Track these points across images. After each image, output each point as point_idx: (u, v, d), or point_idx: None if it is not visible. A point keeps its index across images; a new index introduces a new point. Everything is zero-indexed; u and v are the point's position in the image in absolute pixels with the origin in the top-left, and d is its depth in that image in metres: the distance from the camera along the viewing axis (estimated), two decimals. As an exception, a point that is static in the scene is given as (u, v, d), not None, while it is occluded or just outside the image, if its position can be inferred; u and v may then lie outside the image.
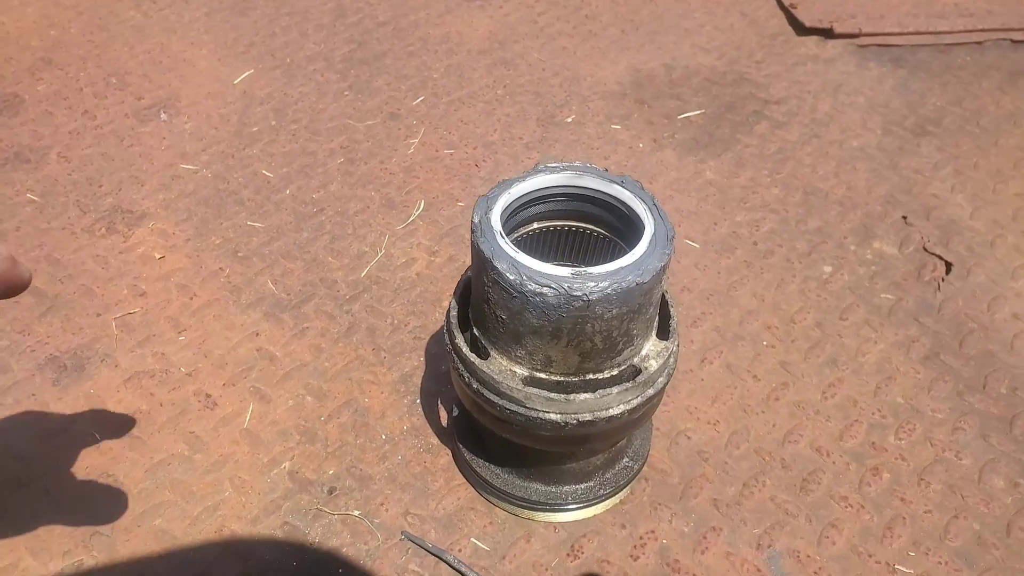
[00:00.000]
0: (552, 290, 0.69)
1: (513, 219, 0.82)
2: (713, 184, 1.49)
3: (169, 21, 1.97)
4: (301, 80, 1.77)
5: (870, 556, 0.95)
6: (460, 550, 0.95)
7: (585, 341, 0.74)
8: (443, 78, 1.78)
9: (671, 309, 0.85)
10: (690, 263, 1.33)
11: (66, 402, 1.09)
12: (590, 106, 1.70)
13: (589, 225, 0.86)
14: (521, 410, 0.78)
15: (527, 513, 0.97)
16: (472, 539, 0.96)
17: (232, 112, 1.68)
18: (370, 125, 1.64)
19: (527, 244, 0.86)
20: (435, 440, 1.06)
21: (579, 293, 0.69)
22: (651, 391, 0.80)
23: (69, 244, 1.36)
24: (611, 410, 0.78)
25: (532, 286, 0.70)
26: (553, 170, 0.82)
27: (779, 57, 1.86)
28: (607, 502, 0.98)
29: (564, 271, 0.70)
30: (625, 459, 0.99)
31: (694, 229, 1.39)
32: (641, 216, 0.77)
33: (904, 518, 0.99)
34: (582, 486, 0.96)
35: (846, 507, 1.00)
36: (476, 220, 0.76)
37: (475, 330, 0.82)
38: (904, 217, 1.42)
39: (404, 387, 1.12)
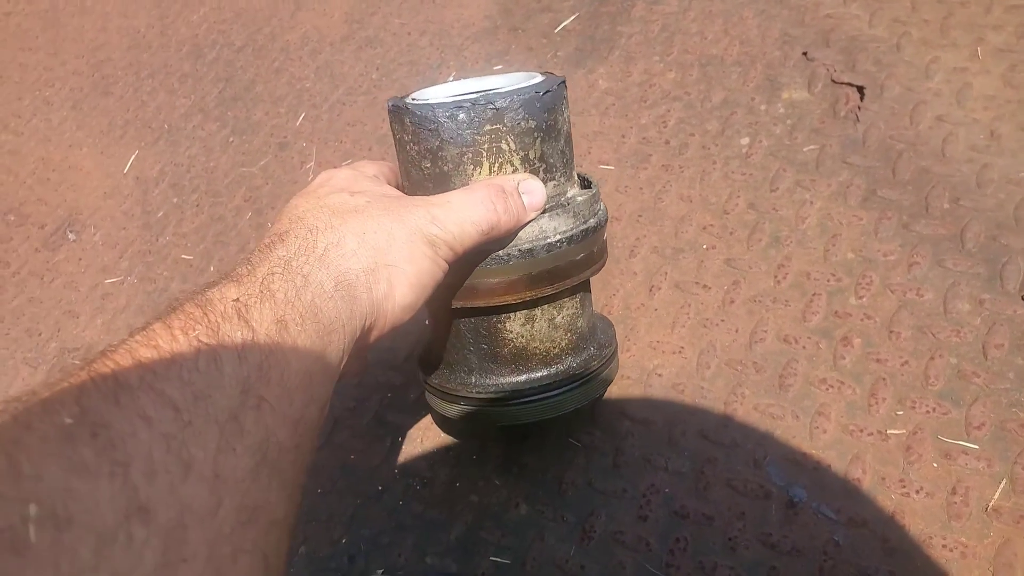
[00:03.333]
0: (463, 109, 0.76)
1: None
2: (610, 93, 1.44)
3: (40, 131, 1.92)
4: (185, 143, 1.73)
5: (861, 431, 0.95)
6: (483, 573, 0.97)
7: (506, 164, 0.80)
8: (316, 84, 1.72)
9: (591, 178, 0.91)
10: (611, 189, 1.29)
11: None
12: (467, 55, 1.63)
13: None
14: None
15: (495, 414, 0.94)
16: (491, 558, 0.98)
17: (133, 205, 1.65)
18: (264, 165, 1.60)
19: None
20: (427, 473, 1.07)
21: (484, 103, 0.76)
22: (583, 225, 0.85)
23: (32, 406, 1.37)
24: (548, 238, 0.82)
25: (443, 111, 0.76)
26: (461, 78, 0.93)
27: (635, -79, 1.75)
28: (580, 389, 0.93)
29: (470, 95, 0.78)
30: (592, 348, 0.96)
31: (605, 151, 1.35)
32: (539, 76, 0.86)
33: (884, 379, 0.98)
34: (552, 370, 0.92)
35: (827, 389, 1.00)
36: (394, 102, 0.82)
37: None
38: (804, 53, 1.36)
39: (381, 429, 1.13)
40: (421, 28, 1.73)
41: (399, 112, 0.80)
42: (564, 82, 0.83)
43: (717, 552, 0.91)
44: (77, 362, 0.52)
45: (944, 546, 0.86)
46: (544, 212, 0.83)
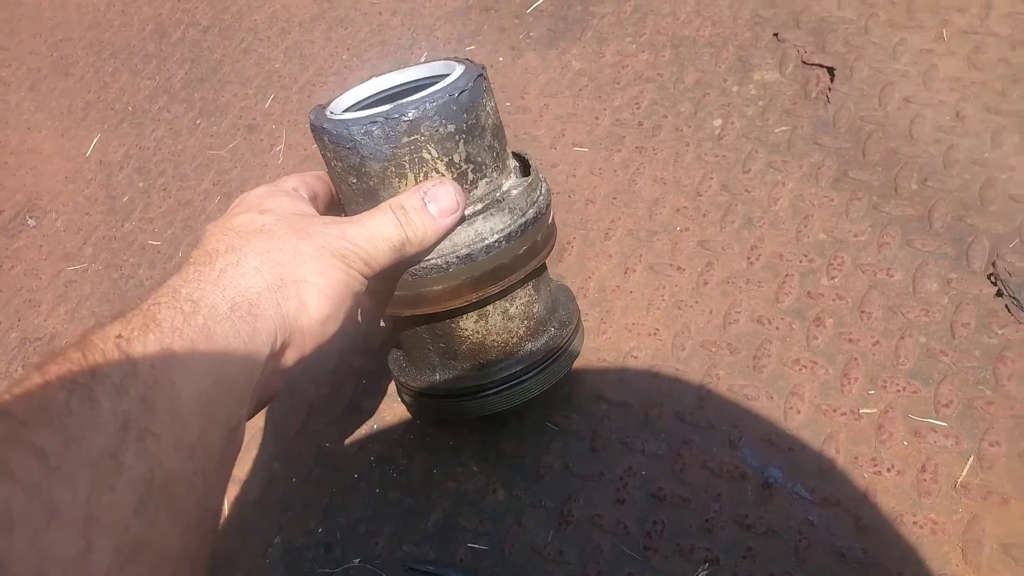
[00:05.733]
0: (376, 124, 0.74)
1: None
2: (583, 74, 1.43)
3: (-3, 113, 1.86)
4: (151, 125, 1.69)
5: (835, 411, 0.96)
6: (461, 559, 0.97)
7: (431, 172, 0.78)
8: (285, 65, 1.68)
9: (531, 161, 0.89)
10: (585, 171, 1.29)
11: None
12: (438, 35, 1.61)
13: None
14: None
15: (464, 407, 0.95)
16: (468, 544, 0.98)
17: (97, 189, 1.61)
18: (232, 147, 1.57)
19: None
20: (404, 460, 1.07)
21: (398, 115, 0.73)
22: (522, 219, 0.83)
23: (-3, 397, 1.34)
24: (486, 240, 0.81)
25: (357, 128, 0.74)
26: (381, 74, 0.88)
27: (606, -101, 1.73)
28: (544, 372, 0.94)
29: (383, 108, 0.75)
30: (552, 329, 0.97)
31: (578, 132, 1.34)
32: (456, 66, 0.82)
33: (856, 359, 1.00)
34: (512, 360, 0.93)
35: (800, 369, 1.01)
36: (312, 119, 0.80)
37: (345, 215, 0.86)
38: (775, 34, 1.36)
39: (357, 417, 1.13)
40: (392, 8, 1.70)
41: (317, 131, 0.78)
42: (483, 74, 0.80)
43: (694, 534, 0.92)
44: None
45: (915, 523, 0.87)
46: (479, 214, 0.81)
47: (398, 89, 0.88)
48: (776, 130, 1.24)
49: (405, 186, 0.78)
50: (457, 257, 0.81)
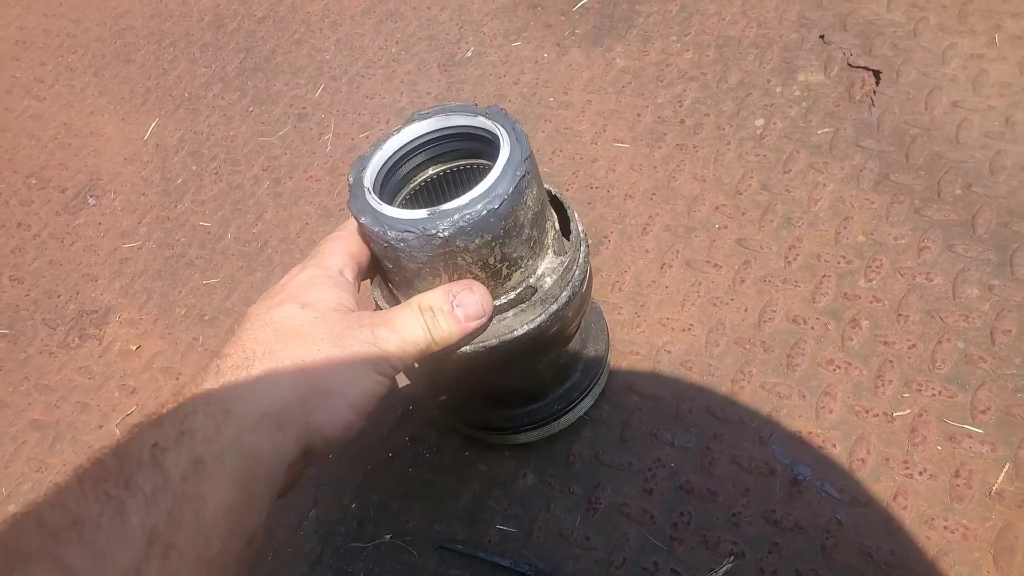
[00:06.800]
0: (411, 233, 0.73)
1: (398, 172, 0.86)
2: (627, 71, 1.44)
3: (63, 96, 1.94)
4: (205, 111, 1.74)
5: (867, 412, 0.96)
6: (489, 540, 0.99)
7: (465, 274, 0.77)
8: (336, 56, 1.72)
9: (572, 223, 0.87)
10: (625, 167, 1.30)
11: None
12: (485, 31, 1.63)
13: (474, 160, 0.88)
14: None
15: (494, 438, 1.03)
16: (497, 526, 1.00)
17: (153, 171, 1.67)
18: (283, 135, 1.61)
19: (426, 191, 0.89)
20: (436, 441, 1.09)
21: (434, 231, 0.72)
22: (554, 307, 0.82)
23: (50, 366, 1.40)
24: (515, 332, 0.81)
25: (393, 233, 0.74)
26: (424, 116, 0.85)
27: (658, -101, 1.74)
28: (564, 418, 1.01)
29: (421, 213, 0.73)
30: (577, 374, 1.01)
31: (620, 129, 1.36)
32: (500, 142, 0.78)
33: (891, 361, 0.99)
34: (535, 406, 1.00)
35: (834, 370, 1.01)
36: (351, 181, 0.80)
37: (388, 283, 0.87)
38: (822, 36, 1.35)
39: (393, 398, 1.15)
40: (441, 3, 1.73)
41: (353, 215, 0.78)
42: (527, 166, 0.76)
43: (720, 527, 0.93)
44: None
45: (946, 527, 0.87)
46: (511, 305, 0.81)
47: (439, 134, 0.86)
48: (819, 131, 1.24)
49: (439, 282, 0.78)
50: (485, 348, 0.81)
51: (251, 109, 1.69)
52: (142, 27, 2.02)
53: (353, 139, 1.54)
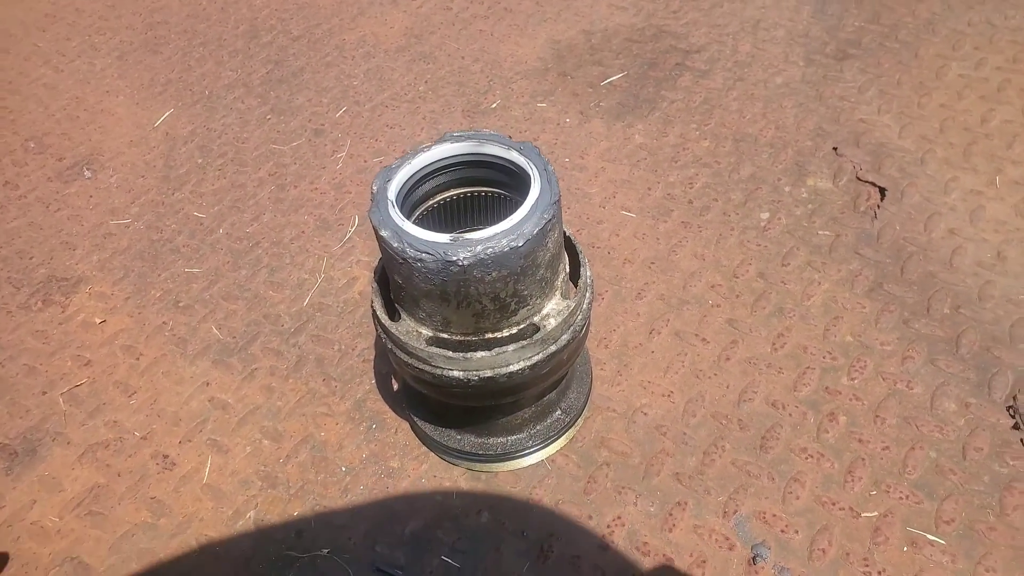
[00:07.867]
0: (430, 256, 0.73)
1: (421, 187, 0.86)
2: (644, 148, 1.48)
3: (81, 72, 1.94)
4: (222, 111, 1.75)
5: (834, 504, 0.95)
6: (431, 572, 0.95)
7: (474, 303, 0.77)
8: (363, 84, 1.75)
9: (582, 268, 0.87)
10: (629, 234, 1.32)
11: (21, 490, 1.09)
12: (514, 88, 1.68)
13: (498, 190, 0.88)
14: (427, 368, 0.82)
15: (464, 464, 1.03)
16: (442, 557, 0.96)
17: (157, 157, 1.66)
18: (296, 146, 1.62)
19: (444, 210, 0.89)
20: (395, 463, 1.06)
21: (454, 258, 0.72)
22: (553, 348, 0.82)
23: (6, 324, 1.35)
24: (511, 367, 0.81)
25: (412, 252, 0.73)
26: (458, 139, 0.85)
27: (695, 3, 1.83)
28: (536, 454, 1.02)
29: (443, 238, 0.73)
30: (557, 412, 1.02)
31: (629, 198, 1.38)
32: (532, 180, 0.79)
33: (863, 459, 0.99)
34: (512, 438, 1.00)
35: (807, 458, 1.00)
36: (374, 189, 0.79)
37: (391, 294, 0.87)
38: (835, 148, 1.41)
39: (358, 414, 1.12)
40: (475, 56, 1.78)
41: (374, 226, 0.78)
42: (558, 201, 0.76)
43: (672, 593, 0.90)
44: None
45: (897, 630, 0.85)
46: (511, 340, 0.81)
47: (470, 159, 0.86)
48: (820, 232, 1.27)
49: (446, 306, 0.78)
50: (479, 377, 0.81)
51: (269, 117, 1.70)
52: (176, 24, 2.05)
53: (366, 161, 1.55)
